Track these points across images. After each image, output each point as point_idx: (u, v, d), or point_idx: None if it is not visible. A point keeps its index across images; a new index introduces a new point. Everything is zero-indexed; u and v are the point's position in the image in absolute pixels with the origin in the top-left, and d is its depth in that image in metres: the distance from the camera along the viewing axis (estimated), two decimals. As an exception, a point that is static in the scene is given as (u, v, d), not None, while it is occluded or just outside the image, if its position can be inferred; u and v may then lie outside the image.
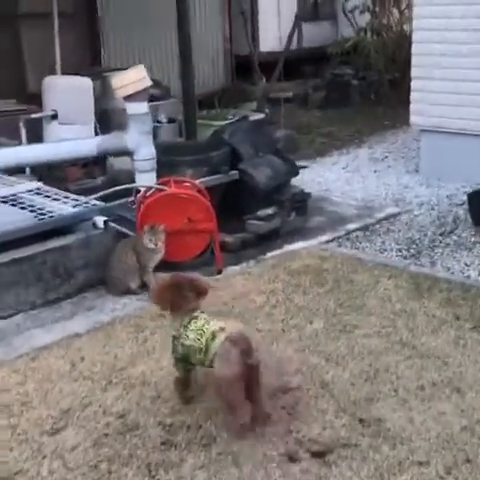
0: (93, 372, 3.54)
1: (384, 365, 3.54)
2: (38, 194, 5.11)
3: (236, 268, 4.80)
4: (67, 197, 5.07)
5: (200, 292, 3.21)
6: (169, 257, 4.51)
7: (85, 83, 6.56)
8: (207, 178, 5.25)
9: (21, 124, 6.18)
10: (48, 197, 5.06)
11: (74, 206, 4.81)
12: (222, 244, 4.98)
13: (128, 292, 4.47)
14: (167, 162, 5.24)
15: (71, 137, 5.55)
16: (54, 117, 6.40)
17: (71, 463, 2.90)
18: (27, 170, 5.69)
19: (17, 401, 3.31)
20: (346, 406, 3.22)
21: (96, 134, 6.24)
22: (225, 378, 2.96)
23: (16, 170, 5.56)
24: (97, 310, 4.26)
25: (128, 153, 5.15)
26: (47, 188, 5.24)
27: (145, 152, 5.10)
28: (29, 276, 4.32)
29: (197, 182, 4.98)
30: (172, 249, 4.57)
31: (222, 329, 3.05)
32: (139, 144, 5.08)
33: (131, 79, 4.94)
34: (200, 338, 3.05)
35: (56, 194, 5.14)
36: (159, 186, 4.80)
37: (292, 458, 2.93)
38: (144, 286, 4.50)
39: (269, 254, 5.03)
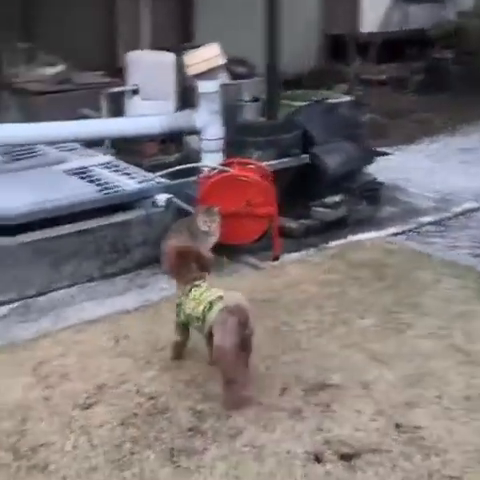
0: (134, 350, 3.54)
1: (432, 369, 3.37)
2: (108, 168, 5.16)
3: (295, 255, 4.71)
4: (136, 173, 5.10)
5: (203, 265, 3.27)
6: (226, 240, 4.46)
7: (168, 59, 6.54)
8: (275, 161, 5.15)
9: (103, 97, 6.25)
10: (117, 171, 5.11)
11: (140, 182, 4.83)
12: (285, 230, 4.90)
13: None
14: (237, 142, 5.18)
15: (151, 113, 5.56)
16: (135, 92, 6.44)
17: (96, 440, 2.90)
18: (106, 142, 5.75)
19: (56, 373, 3.35)
20: (384, 409, 3.09)
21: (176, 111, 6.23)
22: (223, 349, 2.94)
23: (94, 142, 5.64)
24: (149, 288, 4.27)
25: (197, 132, 5.11)
26: (118, 162, 5.29)
27: (212, 132, 5.06)
28: (88, 249, 4.38)
29: (263, 164, 4.89)
30: (229, 232, 4.53)
31: (220, 298, 3.04)
32: (207, 123, 5.04)
33: (203, 56, 4.89)
34: (197, 307, 3.10)
35: (125, 169, 5.18)
36: (221, 167, 4.74)
37: (318, 458, 2.84)
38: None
39: (332, 243, 4.90)
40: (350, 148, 5.46)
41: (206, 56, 4.90)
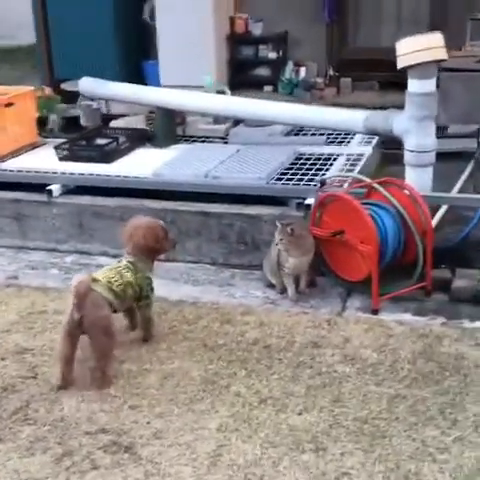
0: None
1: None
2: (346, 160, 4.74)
3: (407, 318, 3.61)
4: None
5: (168, 245, 3.51)
6: (335, 269, 3.87)
7: None
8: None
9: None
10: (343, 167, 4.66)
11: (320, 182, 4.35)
12: (445, 283, 3.77)
13: (270, 285, 3.99)
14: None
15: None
16: None
17: None
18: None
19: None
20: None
21: None
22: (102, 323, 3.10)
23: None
24: (239, 289, 4.05)
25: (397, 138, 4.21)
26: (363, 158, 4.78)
27: (413, 142, 4.08)
28: (213, 232, 4.33)
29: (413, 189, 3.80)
30: (335, 260, 3.82)
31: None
32: (407, 131, 4.10)
33: (418, 46, 3.94)
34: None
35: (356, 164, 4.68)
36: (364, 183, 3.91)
37: None
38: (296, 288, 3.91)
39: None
40: None
41: (421, 46, 3.93)
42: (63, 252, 4.60)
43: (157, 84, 6.99)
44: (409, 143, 4.13)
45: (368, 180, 3.95)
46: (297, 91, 7.87)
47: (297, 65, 8.12)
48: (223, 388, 3.12)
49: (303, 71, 8.14)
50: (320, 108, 4.67)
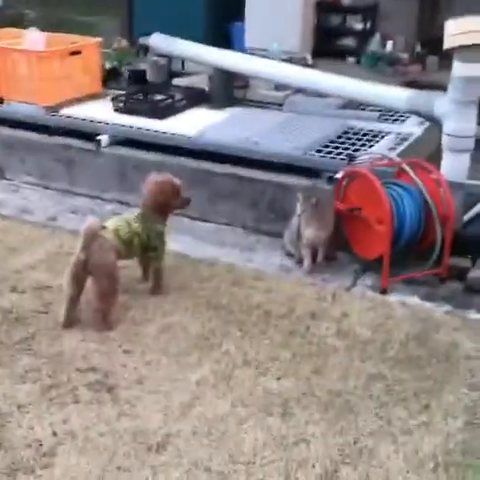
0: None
1: None
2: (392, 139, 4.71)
3: (412, 301, 3.61)
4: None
5: (182, 202, 3.61)
6: (352, 244, 3.92)
7: None
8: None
9: None
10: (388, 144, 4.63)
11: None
12: (463, 272, 3.74)
13: (289, 254, 4.05)
14: None
15: None
16: None
17: None
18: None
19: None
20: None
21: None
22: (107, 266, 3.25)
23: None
24: (259, 255, 4.15)
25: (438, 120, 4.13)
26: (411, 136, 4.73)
27: (452, 126, 4.00)
28: (245, 197, 4.41)
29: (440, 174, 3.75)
30: (354, 236, 3.85)
31: None
32: (447, 114, 4.02)
33: (465, 28, 3.83)
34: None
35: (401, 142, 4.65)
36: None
37: None
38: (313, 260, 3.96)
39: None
40: None
41: (469, 28, 3.83)
42: (105, 200, 4.80)
43: (243, 47, 7.02)
44: (448, 126, 4.05)
45: (397, 159, 3.91)
46: (381, 65, 7.76)
47: (384, 38, 8.00)
48: (214, 345, 3.23)
49: (390, 45, 8.01)
50: (366, 83, 4.61)
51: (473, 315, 3.51)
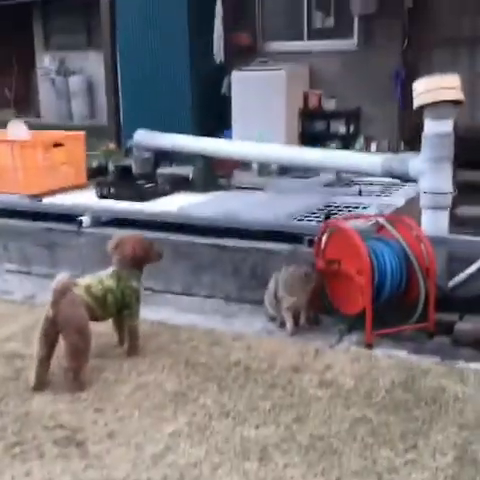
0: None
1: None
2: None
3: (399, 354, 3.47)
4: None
5: (154, 257, 3.59)
6: (334, 301, 3.81)
7: None
8: None
9: None
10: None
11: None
12: (450, 326, 3.63)
13: (272, 319, 3.94)
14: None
15: None
16: None
17: None
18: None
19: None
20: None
21: None
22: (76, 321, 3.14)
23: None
24: (240, 320, 4.04)
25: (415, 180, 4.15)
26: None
27: (428, 184, 4.02)
28: (227, 266, 4.36)
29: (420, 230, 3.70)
30: (336, 293, 3.77)
31: None
32: (422, 172, 4.04)
33: (433, 86, 3.92)
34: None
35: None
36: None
37: None
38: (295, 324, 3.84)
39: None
40: None
41: (437, 85, 3.91)
42: (86, 279, 4.73)
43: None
44: (424, 185, 4.07)
45: (373, 215, 3.90)
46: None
47: (368, 141, 8.20)
48: (191, 400, 3.08)
49: (374, 146, 8.20)
50: (343, 152, 4.69)
51: (461, 364, 3.36)
